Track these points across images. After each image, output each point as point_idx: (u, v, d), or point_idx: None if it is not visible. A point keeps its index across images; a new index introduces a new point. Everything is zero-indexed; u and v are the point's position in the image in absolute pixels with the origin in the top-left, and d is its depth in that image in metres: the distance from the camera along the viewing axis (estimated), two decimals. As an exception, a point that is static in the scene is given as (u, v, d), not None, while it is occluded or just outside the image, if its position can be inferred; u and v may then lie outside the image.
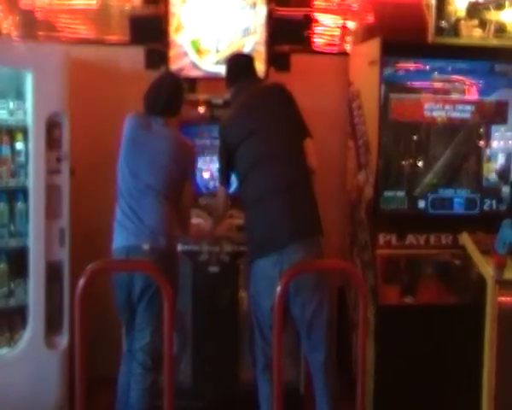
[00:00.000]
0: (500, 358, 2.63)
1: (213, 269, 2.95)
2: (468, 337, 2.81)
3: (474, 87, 3.19)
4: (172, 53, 3.20)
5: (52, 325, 2.88)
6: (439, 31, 3.20)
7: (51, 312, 2.86)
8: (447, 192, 3.20)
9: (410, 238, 3.12)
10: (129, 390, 2.60)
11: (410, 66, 3.15)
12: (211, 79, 3.24)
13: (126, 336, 2.71)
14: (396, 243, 3.10)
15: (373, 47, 3.17)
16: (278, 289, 2.23)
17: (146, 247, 2.53)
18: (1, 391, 2.75)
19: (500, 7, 3.23)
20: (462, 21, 3.22)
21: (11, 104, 2.88)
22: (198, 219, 2.98)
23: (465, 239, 2.96)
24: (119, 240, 2.59)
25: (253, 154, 2.60)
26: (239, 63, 2.85)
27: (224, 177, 2.75)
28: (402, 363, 2.99)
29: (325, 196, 3.04)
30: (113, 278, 2.60)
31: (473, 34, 3.22)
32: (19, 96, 2.91)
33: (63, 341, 2.90)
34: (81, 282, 2.16)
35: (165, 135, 2.65)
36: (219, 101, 3.14)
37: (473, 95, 3.20)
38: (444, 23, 3.20)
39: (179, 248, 2.84)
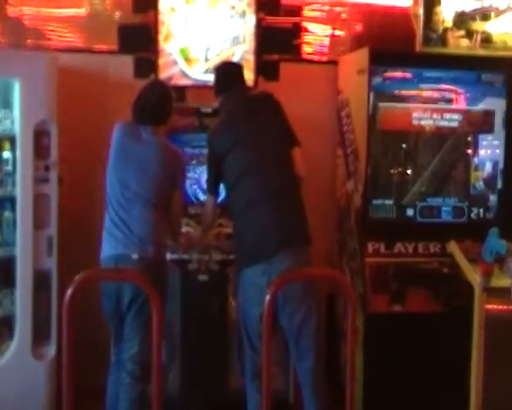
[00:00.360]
0: (487, 365, 2.65)
1: (202, 278, 2.95)
2: (456, 345, 2.82)
3: (462, 96, 3.22)
4: (161, 61, 3.20)
5: (39, 334, 2.85)
6: (427, 40, 3.23)
7: (38, 322, 2.84)
8: (435, 201, 3.22)
9: (399, 246, 3.13)
10: (117, 400, 2.58)
11: (398, 75, 3.17)
12: (200, 87, 3.24)
13: (114, 345, 2.69)
14: (385, 252, 3.12)
15: (361, 56, 3.20)
16: (267, 297, 2.23)
17: (135, 256, 2.52)
18: (-13, 403, 2.73)
19: (486, 18, 3.28)
20: (449, 31, 3.26)
21: (-2, 113, 2.87)
22: (187, 228, 2.97)
23: (453, 247, 2.98)
24: (108, 249, 2.58)
25: (241, 163, 2.60)
26: (227, 72, 2.86)
27: (212, 186, 2.75)
28: (391, 371, 2.99)
29: (314, 203, 3.05)
30: (101, 287, 2.59)
31: (460, 44, 3.26)
32: (6, 104, 2.90)
33: (51, 351, 2.88)
34: (69, 291, 2.15)
35: (154, 143, 2.65)
36: (208, 109, 3.14)
37: (460, 104, 3.22)
38: (431, 33, 3.24)
39: (168, 256, 2.83)
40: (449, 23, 3.26)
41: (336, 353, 3.41)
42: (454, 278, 3.02)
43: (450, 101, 3.22)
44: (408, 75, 3.18)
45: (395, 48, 3.22)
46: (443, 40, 3.26)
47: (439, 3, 3.24)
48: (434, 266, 3.12)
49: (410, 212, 3.19)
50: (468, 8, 3.26)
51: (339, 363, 3.36)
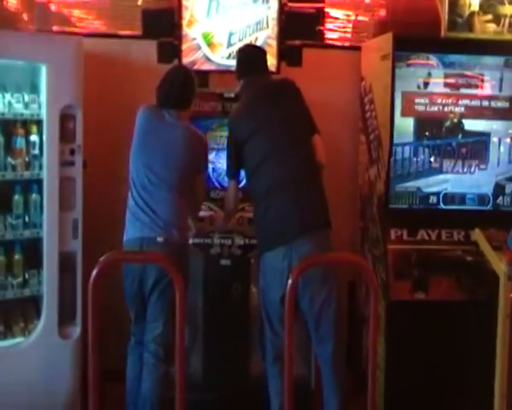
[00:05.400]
0: (512, 354, 2.61)
1: (225, 262, 2.96)
2: (480, 334, 2.78)
3: (488, 82, 3.16)
4: (185, 46, 3.21)
5: (65, 315, 2.90)
6: (452, 25, 3.17)
7: (64, 302, 2.88)
8: (459, 187, 3.17)
9: (422, 234, 3.10)
10: (137, 381, 2.63)
11: (423, 61, 3.13)
12: (223, 72, 3.25)
13: (134, 325, 2.72)
14: (407, 239, 3.08)
15: (385, 41, 3.16)
16: (289, 282, 2.24)
17: (160, 239, 2.56)
18: (15, 379, 2.78)
19: (515, 1, 3.21)
20: (476, 16, 3.19)
21: (26, 97, 2.89)
22: (209, 212, 3.00)
23: (477, 235, 2.93)
24: (133, 231, 2.61)
25: (262, 148, 2.61)
26: (251, 55, 2.87)
27: (233, 171, 2.75)
28: (412, 358, 2.96)
29: (336, 190, 3.06)
30: (124, 268, 2.62)
31: (487, 29, 3.19)
32: (34, 88, 2.93)
33: (76, 331, 2.92)
34: (94, 272, 2.19)
35: (178, 126, 2.68)
36: (231, 94, 3.14)
37: (486, 90, 3.16)
38: (457, 17, 3.18)
39: (191, 240, 2.86)
40: (475, 7, 3.19)
41: (358, 340, 3.41)
42: (478, 266, 2.98)
43: (475, 87, 3.16)
44: (432, 61, 3.13)
45: (419, 33, 3.15)
46: (469, 25, 3.19)
47: (466, -13, 3.18)
48: (458, 253, 3.06)
49: (433, 199, 3.16)
50: (495, -8, 3.20)
51: (361, 350, 3.36)
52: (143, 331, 2.65)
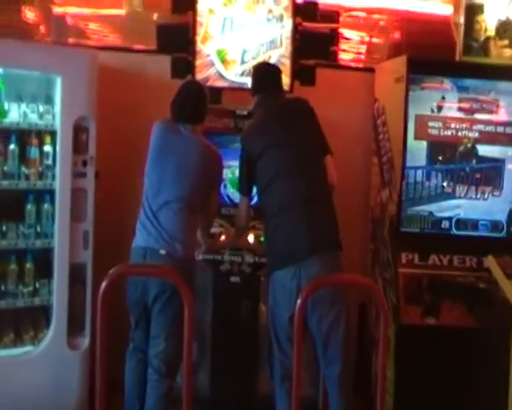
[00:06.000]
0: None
1: (234, 279, 2.94)
2: (491, 363, 2.75)
3: (503, 108, 3.16)
4: (198, 62, 3.22)
5: (74, 325, 2.90)
6: (468, 49, 3.18)
7: (74, 313, 2.89)
8: (472, 213, 3.16)
9: (434, 258, 3.08)
10: (135, 386, 2.62)
11: (437, 84, 3.13)
12: (236, 89, 3.26)
13: (134, 331, 2.70)
14: (419, 263, 3.07)
15: (399, 64, 3.17)
16: (298, 302, 2.22)
17: (162, 252, 2.56)
18: (24, 388, 2.78)
19: (531, 27, 3.21)
20: (492, 41, 3.20)
21: (41, 108, 2.91)
22: (220, 228, 2.98)
23: (490, 262, 2.89)
24: (140, 240, 2.62)
25: (274, 166, 2.61)
26: (267, 73, 2.88)
27: (245, 187, 2.74)
28: (422, 384, 2.92)
29: (348, 211, 3.04)
30: (128, 277, 2.61)
31: (502, 54, 3.20)
32: (48, 99, 2.96)
33: (85, 342, 2.92)
34: (103, 285, 2.19)
35: (194, 140, 2.69)
36: (244, 112, 3.15)
37: (501, 116, 3.16)
38: (472, 42, 3.19)
39: (201, 256, 2.84)
40: (491, 32, 3.21)
41: (367, 363, 3.36)
42: (491, 293, 2.93)
43: (490, 112, 3.15)
44: (447, 85, 3.13)
45: (434, 56, 3.17)
46: (485, 49, 3.21)
47: (482, 12, 3.19)
48: (470, 280, 3.04)
49: (445, 224, 3.14)
50: (512, 17, 3.21)
51: (370, 373, 3.32)
52: (142, 339, 2.65)
